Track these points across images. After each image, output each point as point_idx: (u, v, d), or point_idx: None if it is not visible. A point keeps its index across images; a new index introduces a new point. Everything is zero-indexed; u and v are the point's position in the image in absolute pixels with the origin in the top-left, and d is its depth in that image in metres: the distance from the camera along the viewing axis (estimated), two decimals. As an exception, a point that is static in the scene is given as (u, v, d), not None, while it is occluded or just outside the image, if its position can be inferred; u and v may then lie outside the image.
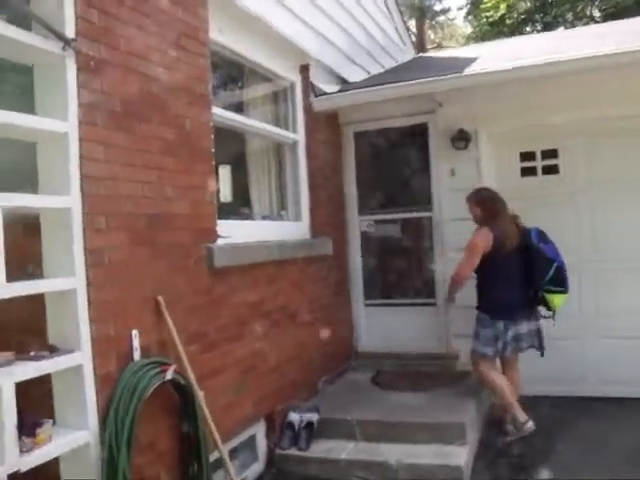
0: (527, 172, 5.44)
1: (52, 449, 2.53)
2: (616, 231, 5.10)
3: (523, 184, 5.38)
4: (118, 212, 2.96)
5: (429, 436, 4.07)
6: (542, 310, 4.48)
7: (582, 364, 5.12)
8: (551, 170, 5.37)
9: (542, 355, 4.42)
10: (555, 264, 4.27)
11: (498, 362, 4.54)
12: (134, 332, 2.97)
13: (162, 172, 3.29)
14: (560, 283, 4.31)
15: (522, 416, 4.18)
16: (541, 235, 4.40)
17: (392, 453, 4.00)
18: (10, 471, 2.31)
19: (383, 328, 5.82)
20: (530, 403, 4.43)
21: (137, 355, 2.98)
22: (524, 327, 4.36)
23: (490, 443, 4.33)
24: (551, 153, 5.37)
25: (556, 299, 4.34)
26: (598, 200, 5.16)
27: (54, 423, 2.65)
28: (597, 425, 4.49)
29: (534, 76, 4.67)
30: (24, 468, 2.37)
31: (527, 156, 5.44)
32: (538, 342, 4.42)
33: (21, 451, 2.37)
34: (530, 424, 4.15)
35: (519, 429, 4.19)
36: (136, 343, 2.98)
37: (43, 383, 2.66)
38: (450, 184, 5.47)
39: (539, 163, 5.41)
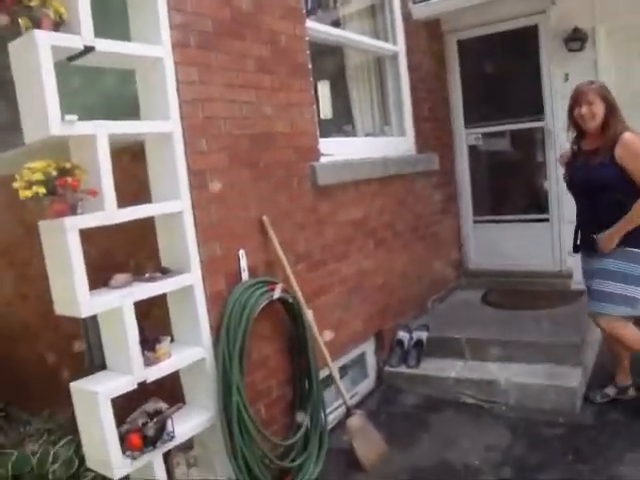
0: (654, 74, 4.92)
1: (172, 363, 2.70)
2: None
3: (648, 87, 4.89)
4: (218, 134, 2.96)
5: (541, 356, 3.95)
6: None
7: None
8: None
9: None
10: None
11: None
12: (241, 252, 3.03)
13: (260, 91, 3.24)
14: None
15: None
16: None
17: (502, 372, 3.94)
18: (138, 380, 2.51)
19: (493, 245, 5.65)
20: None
21: (245, 275, 3.04)
22: None
23: (607, 367, 4.12)
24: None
25: None
26: None
27: (172, 340, 2.80)
28: None
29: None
30: (150, 379, 2.56)
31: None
32: None
33: (145, 364, 2.56)
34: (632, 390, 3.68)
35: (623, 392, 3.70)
36: (243, 263, 3.04)
37: (161, 303, 2.80)
38: (564, 90, 5.01)
39: (670, 62, 4.87)
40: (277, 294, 3.07)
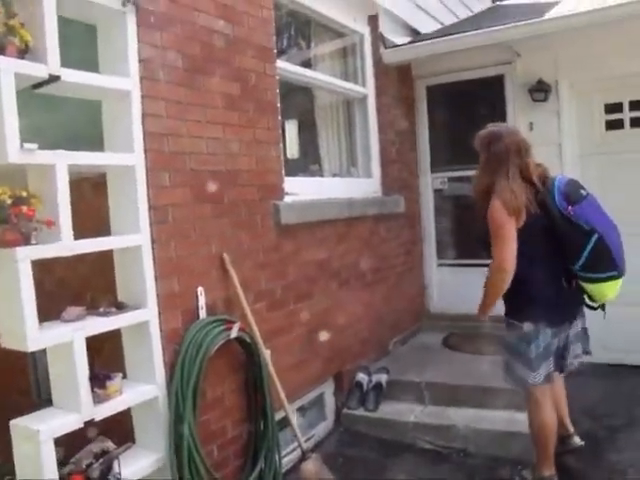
0: (613, 125, 5.05)
1: (122, 401, 2.62)
2: None
3: (608, 138, 5.03)
4: (182, 169, 2.94)
5: (501, 402, 3.93)
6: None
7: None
8: (640, 123, 4.99)
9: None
10: (595, 236, 2.82)
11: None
12: (199, 289, 2.98)
13: (226, 127, 3.24)
14: (606, 265, 2.88)
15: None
16: (570, 189, 2.91)
17: (461, 418, 3.92)
18: (85, 419, 2.42)
19: (456, 289, 5.66)
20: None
21: (203, 312, 2.99)
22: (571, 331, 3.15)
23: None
24: (641, 105, 4.97)
25: (606, 289, 2.96)
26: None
27: (124, 377, 2.72)
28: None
29: (623, 17, 4.27)
30: (98, 417, 2.48)
31: (613, 108, 5.04)
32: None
33: (95, 402, 2.47)
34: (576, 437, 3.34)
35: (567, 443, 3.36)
36: (202, 300, 2.99)
37: (114, 339, 2.73)
38: (528, 139, 5.16)
39: (627, 115, 5.00)
40: (234, 333, 3.02)
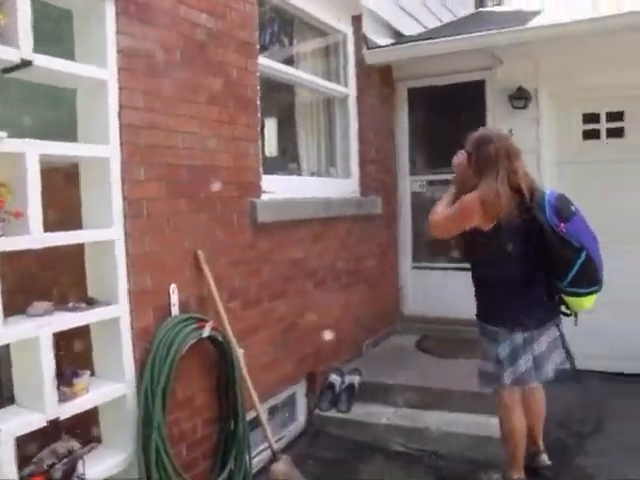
0: (590, 135, 5.12)
1: (89, 399, 2.55)
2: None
3: (585, 148, 5.09)
4: (158, 163, 2.88)
5: (474, 406, 3.93)
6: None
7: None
8: (616, 133, 5.03)
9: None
10: (584, 252, 2.83)
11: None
12: (172, 286, 2.92)
13: (205, 122, 3.19)
14: (590, 280, 2.90)
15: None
16: (562, 205, 2.89)
17: (434, 421, 3.92)
18: (50, 418, 2.34)
19: (431, 292, 5.68)
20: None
21: (175, 310, 2.93)
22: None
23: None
24: (617, 116, 5.01)
25: (585, 302, 3.00)
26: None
27: (92, 375, 2.65)
28: None
29: (603, 29, 4.32)
30: (63, 416, 2.40)
31: (591, 118, 5.10)
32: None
33: (60, 400, 2.40)
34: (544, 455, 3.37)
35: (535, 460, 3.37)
36: (174, 298, 2.93)
37: (83, 336, 2.66)
38: (509, 145, 5.22)
39: (603, 126, 5.07)
40: (206, 332, 2.96)
